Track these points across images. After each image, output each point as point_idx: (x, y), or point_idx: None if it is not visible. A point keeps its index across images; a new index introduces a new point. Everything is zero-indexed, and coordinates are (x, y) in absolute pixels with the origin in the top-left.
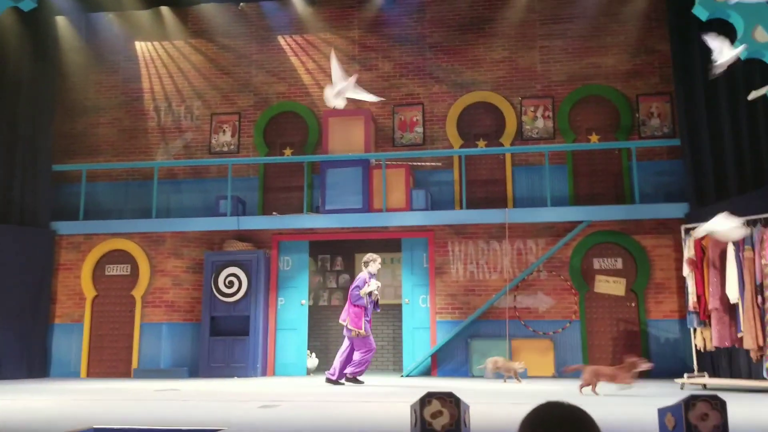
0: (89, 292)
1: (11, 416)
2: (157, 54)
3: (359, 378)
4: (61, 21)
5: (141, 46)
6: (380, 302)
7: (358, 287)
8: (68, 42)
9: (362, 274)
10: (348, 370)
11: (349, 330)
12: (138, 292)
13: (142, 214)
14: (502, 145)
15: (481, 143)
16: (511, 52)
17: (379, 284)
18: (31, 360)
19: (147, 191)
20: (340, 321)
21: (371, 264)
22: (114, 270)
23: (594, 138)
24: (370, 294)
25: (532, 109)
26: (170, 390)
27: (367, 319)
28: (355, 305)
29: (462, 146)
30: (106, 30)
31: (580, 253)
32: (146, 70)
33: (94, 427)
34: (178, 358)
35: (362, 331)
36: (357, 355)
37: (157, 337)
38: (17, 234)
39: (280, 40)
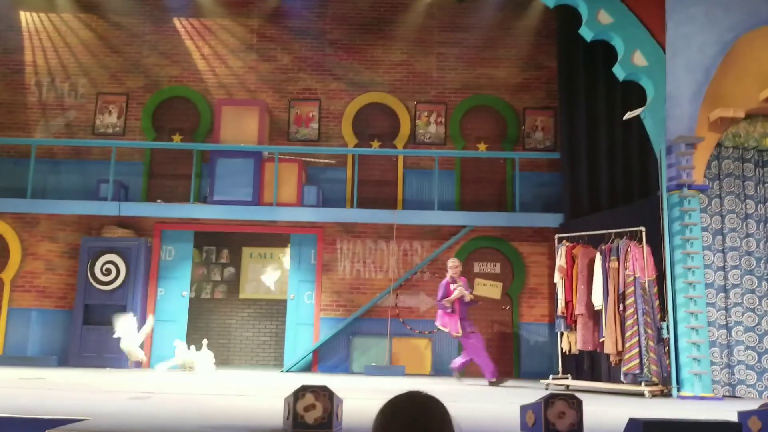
0: None
1: None
2: (42, 26)
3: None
4: None
5: (25, 16)
6: (264, 297)
7: (440, 297)
8: None
9: (444, 280)
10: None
11: (453, 336)
12: (7, 275)
13: (16, 193)
14: (395, 147)
15: (375, 144)
16: (409, 56)
17: (460, 286)
18: None
19: (23, 170)
20: (439, 326)
21: (451, 270)
22: None
23: (482, 146)
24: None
25: (426, 114)
26: (36, 378)
27: (463, 318)
28: (444, 312)
29: (356, 145)
30: None
31: (462, 257)
32: (29, 42)
33: None
34: (47, 346)
35: (460, 332)
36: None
37: (25, 323)
38: None
39: (176, 22)
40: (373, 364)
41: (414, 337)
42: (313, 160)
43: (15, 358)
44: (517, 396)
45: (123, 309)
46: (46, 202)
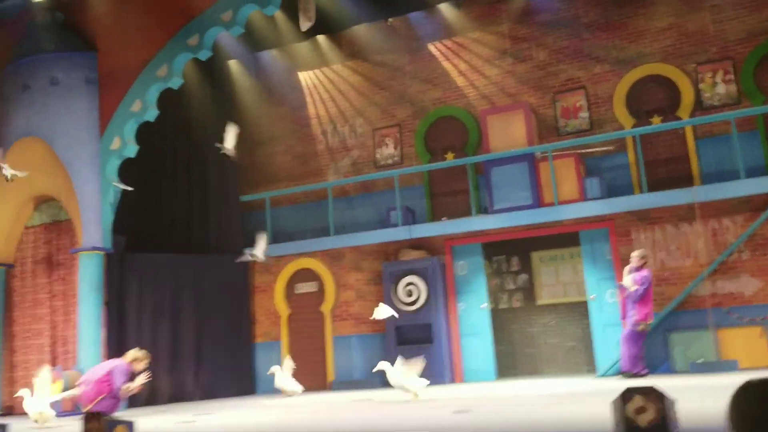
0: (283, 310)
1: (233, 431)
2: (318, 80)
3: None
4: (233, 64)
5: (303, 76)
6: (562, 301)
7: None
8: (241, 82)
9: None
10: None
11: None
12: (326, 307)
13: (322, 232)
14: (679, 118)
15: (656, 119)
16: (677, 18)
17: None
18: (239, 378)
19: (323, 210)
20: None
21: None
22: (303, 288)
23: None
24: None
25: (709, 74)
26: (366, 399)
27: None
28: None
29: (634, 126)
30: (271, 66)
31: None
32: (311, 98)
33: None
34: (369, 369)
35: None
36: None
37: (348, 349)
38: (217, 262)
39: (431, 47)
40: (701, 360)
41: (742, 326)
42: (589, 150)
43: (345, 382)
44: None
45: (429, 327)
46: (347, 237)
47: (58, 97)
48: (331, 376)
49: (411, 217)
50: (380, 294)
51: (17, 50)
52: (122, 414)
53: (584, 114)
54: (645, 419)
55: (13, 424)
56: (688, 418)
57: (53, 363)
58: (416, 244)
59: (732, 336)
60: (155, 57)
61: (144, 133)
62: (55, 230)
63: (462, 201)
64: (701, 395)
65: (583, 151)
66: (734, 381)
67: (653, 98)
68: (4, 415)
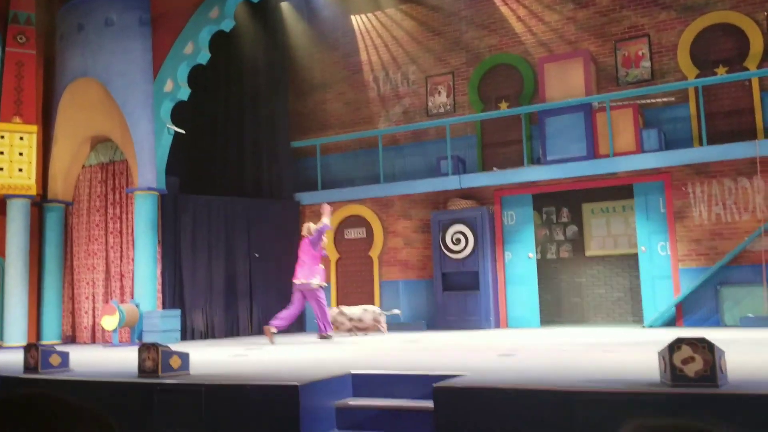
0: (333, 255)
1: (280, 364)
2: (371, 25)
3: None
4: (285, 7)
5: (356, 20)
6: (612, 252)
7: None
8: (293, 26)
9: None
10: None
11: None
12: (374, 253)
13: (372, 180)
14: (746, 69)
15: (721, 70)
16: None
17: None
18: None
19: (374, 158)
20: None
21: None
22: (352, 233)
23: None
24: None
25: None
26: (412, 341)
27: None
28: None
29: (698, 76)
30: (324, 9)
31: None
32: (363, 43)
33: (352, 372)
34: (415, 313)
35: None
36: None
37: (395, 293)
38: (270, 206)
39: None
40: (749, 314)
41: None
42: (649, 101)
43: (391, 324)
44: None
45: (476, 275)
46: (396, 185)
47: (111, 38)
48: None
49: (461, 167)
50: (428, 242)
51: None
52: (177, 346)
53: (646, 63)
54: (692, 369)
55: (72, 352)
56: (736, 370)
57: (107, 297)
58: (466, 193)
59: None
60: None
61: (197, 76)
62: (111, 170)
63: (514, 151)
64: (750, 349)
65: (642, 101)
66: None
67: (720, 48)
68: (65, 343)
